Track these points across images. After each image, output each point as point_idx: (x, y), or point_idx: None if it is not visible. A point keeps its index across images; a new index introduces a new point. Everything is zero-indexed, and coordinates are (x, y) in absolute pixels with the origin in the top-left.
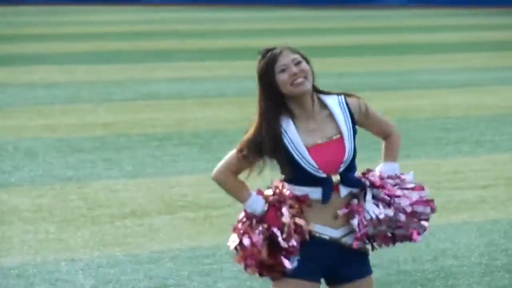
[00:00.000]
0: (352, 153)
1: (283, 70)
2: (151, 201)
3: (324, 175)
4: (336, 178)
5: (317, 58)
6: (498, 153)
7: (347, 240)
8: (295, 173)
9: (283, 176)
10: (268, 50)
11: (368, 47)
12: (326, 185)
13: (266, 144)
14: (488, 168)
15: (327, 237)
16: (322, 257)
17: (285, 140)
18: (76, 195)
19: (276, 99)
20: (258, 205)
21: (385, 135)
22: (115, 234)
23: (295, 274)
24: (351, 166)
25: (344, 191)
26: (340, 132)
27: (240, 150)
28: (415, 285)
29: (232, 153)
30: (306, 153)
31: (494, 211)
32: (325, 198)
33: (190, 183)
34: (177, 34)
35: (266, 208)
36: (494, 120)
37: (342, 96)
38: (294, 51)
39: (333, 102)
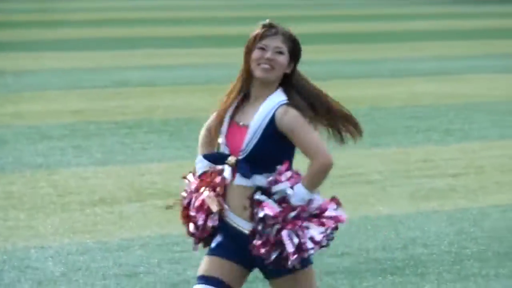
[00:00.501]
0: (251, 147)
1: (261, 48)
2: (121, 188)
3: (226, 151)
4: (232, 160)
5: None
6: (468, 141)
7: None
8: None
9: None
10: (270, 26)
11: (339, 35)
12: (221, 153)
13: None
14: (458, 157)
15: (240, 229)
16: (238, 243)
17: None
18: (46, 182)
19: (243, 67)
20: (201, 163)
21: (310, 158)
22: (85, 222)
23: (215, 252)
24: (258, 164)
25: (238, 180)
26: (247, 124)
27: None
28: (385, 273)
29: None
30: (227, 123)
31: (464, 200)
32: (209, 155)
33: (160, 171)
34: (147, 21)
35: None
36: (464, 109)
37: (278, 106)
38: (287, 41)
39: (270, 102)
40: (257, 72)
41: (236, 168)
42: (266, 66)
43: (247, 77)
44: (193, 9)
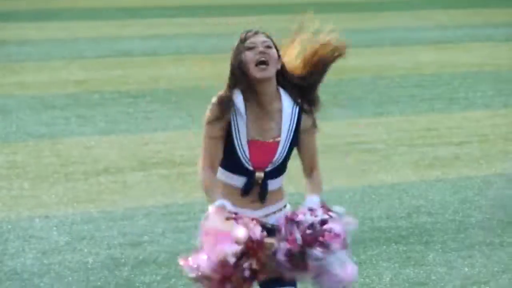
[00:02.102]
0: (282, 157)
1: (250, 48)
2: (125, 158)
3: (251, 169)
4: (260, 174)
5: (291, 14)
6: (471, 110)
7: (269, 220)
8: (229, 156)
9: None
10: (249, 31)
11: (340, 4)
12: (249, 178)
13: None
14: (462, 125)
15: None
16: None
17: (233, 127)
18: (50, 152)
19: (241, 78)
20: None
21: (311, 166)
22: (89, 191)
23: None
24: (280, 168)
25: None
26: (279, 135)
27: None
28: (389, 242)
29: (205, 140)
30: (246, 145)
31: (468, 168)
32: (246, 189)
33: (164, 140)
34: None
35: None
36: (468, 78)
37: (298, 107)
38: (267, 36)
39: (288, 104)
40: (258, 73)
41: (265, 179)
42: (263, 65)
43: (247, 85)
44: None
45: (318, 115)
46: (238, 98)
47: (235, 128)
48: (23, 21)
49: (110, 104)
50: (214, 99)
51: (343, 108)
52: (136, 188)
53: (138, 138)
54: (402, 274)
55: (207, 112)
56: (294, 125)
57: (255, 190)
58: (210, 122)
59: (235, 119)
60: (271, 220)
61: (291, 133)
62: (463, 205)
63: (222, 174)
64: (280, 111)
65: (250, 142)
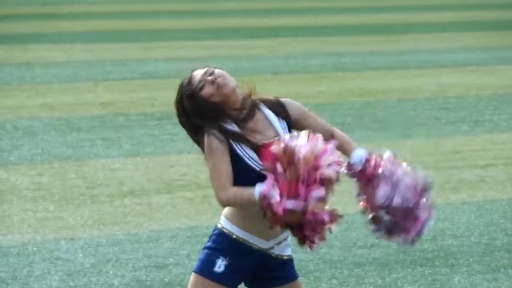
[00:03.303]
0: None
1: (202, 87)
2: (150, 180)
3: (261, 167)
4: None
5: (316, 37)
6: (497, 132)
7: (275, 250)
8: (240, 171)
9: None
10: (185, 85)
11: (368, 26)
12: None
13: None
14: (487, 148)
15: (256, 247)
16: (248, 266)
17: (234, 145)
18: (75, 174)
19: (213, 112)
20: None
21: (328, 131)
22: (114, 213)
23: (221, 280)
24: None
25: None
26: (277, 134)
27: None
28: (414, 265)
29: (214, 164)
30: (252, 152)
31: (493, 191)
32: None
33: (189, 162)
34: (174, 13)
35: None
36: (493, 100)
37: (278, 101)
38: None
39: (268, 109)
40: (224, 91)
41: None
42: (222, 81)
43: (223, 114)
44: (220, 1)
45: None
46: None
47: (236, 145)
48: (48, 43)
49: (135, 126)
50: (206, 136)
51: (369, 130)
52: (161, 210)
53: (163, 161)
54: None
55: (206, 144)
56: (285, 122)
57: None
58: (212, 150)
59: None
60: (277, 251)
61: (284, 126)
62: (489, 228)
63: None
64: (261, 112)
65: (257, 152)
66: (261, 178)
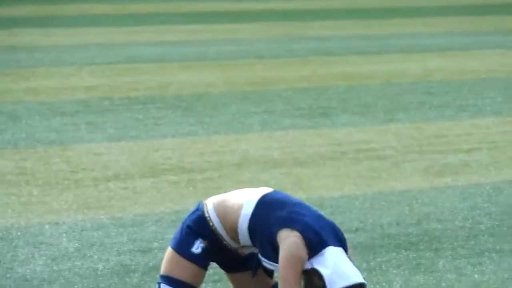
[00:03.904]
0: None
1: None
2: (135, 164)
3: None
4: None
5: (300, 21)
6: (481, 117)
7: (244, 250)
8: None
9: None
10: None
11: (352, 11)
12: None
13: None
14: (471, 132)
15: (229, 246)
16: (225, 252)
17: None
18: (59, 158)
19: None
20: None
21: None
22: (99, 197)
23: (197, 261)
24: None
25: None
26: None
27: None
28: (399, 248)
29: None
30: None
31: (477, 175)
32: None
33: (174, 146)
34: None
35: None
36: (477, 85)
37: None
38: None
39: None
40: None
41: None
42: None
43: None
44: None
45: (328, 122)
46: None
47: None
48: (33, 27)
49: (120, 110)
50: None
51: (353, 115)
52: (146, 194)
53: (148, 145)
54: (412, 281)
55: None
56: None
57: None
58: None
59: None
60: (247, 251)
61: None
62: (473, 212)
63: None
64: None
65: None
66: None
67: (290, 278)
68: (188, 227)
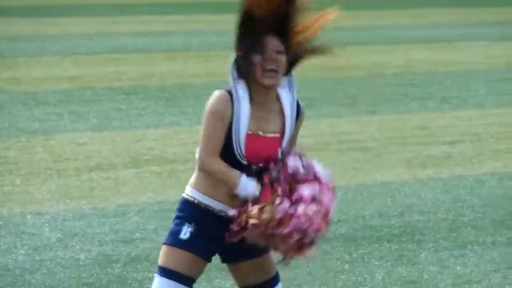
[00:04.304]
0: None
1: (261, 52)
2: (117, 154)
3: (245, 163)
4: (256, 166)
5: None
6: (464, 109)
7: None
8: (223, 148)
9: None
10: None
11: (333, 2)
12: (248, 172)
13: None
14: (454, 124)
15: (223, 214)
16: (216, 235)
17: (233, 119)
18: (42, 148)
19: (246, 73)
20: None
21: (294, 142)
22: (81, 187)
23: (187, 246)
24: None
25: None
26: (282, 132)
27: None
28: (381, 240)
29: (210, 126)
30: (244, 139)
31: (460, 167)
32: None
33: (156, 137)
34: None
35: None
36: (460, 77)
37: (296, 100)
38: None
39: (287, 100)
40: (265, 81)
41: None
42: (272, 73)
43: (250, 81)
44: None
45: (311, 113)
46: (242, 90)
47: (235, 121)
48: (15, 16)
49: (102, 100)
50: (218, 93)
51: (337, 106)
52: (128, 184)
53: (130, 135)
54: (394, 272)
55: (211, 101)
56: (294, 119)
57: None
58: (213, 112)
59: (237, 111)
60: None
61: (292, 125)
62: (455, 204)
63: None
64: (279, 110)
65: (248, 136)
66: (236, 164)
67: (202, 130)
68: (175, 218)
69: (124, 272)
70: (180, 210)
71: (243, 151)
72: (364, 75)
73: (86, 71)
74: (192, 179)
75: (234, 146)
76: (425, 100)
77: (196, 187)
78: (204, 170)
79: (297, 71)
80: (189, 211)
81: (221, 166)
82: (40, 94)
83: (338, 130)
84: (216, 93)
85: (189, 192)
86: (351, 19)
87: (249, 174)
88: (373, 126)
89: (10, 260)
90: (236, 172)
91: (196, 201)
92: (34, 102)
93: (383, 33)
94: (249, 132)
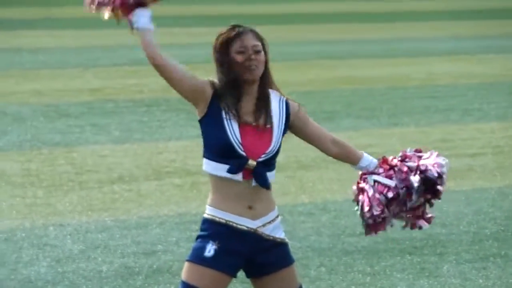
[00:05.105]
0: (276, 148)
1: (241, 52)
2: (139, 166)
3: (243, 153)
4: (252, 163)
5: (305, 24)
6: (486, 121)
7: (264, 230)
8: (216, 141)
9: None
10: (234, 27)
11: (357, 14)
12: (240, 160)
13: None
14: (476, 137)
15: (244, 228)
16: (240, 249)
17: (223, 109)
18: (64, 160)
19: (229, 73)
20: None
21: (327, 137)
22: (103, 199)
23: (212, 264)
24: (271, 163)
25: (254, 181)
26: (271, 124)
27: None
28: (403, 253)
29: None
30: (237, 129)
31: (482, 180)
32: (233, 169)
33: (178, 149)
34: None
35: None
36: (482, 89)
37: (284, 98)
38: (258, 37)
39: (275, 98)
40: (247, 75)
41: (256, 173)
42: (253, 66)
43: (233, 81)
44: None
45: (333, 126)
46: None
47: (225, 111)
48: (38, 28)
49: (124, 112)
50: (210, 78)
51: (357, 118)
52: (150, 197)
53: (152, 147)
54: (416, 285)
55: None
56: (284, 113)
57: (249, 194)
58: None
59: (225, 102)
60: (267, 231)
61: (282, 119)
62: (478, 216)
63: (211, 167)
64: (267, 101)
65: (241, 126)
66: (231, 156)
67: None
68: (197, 237)
69: (146, 284)
70: (202, 229)
71: (239, 139)
72: (385, 87)
73: (107, 83)
74: (210, 198)
75: (229, 133)
76: (447, 112)
77: (213, 204)
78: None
79: (318, 84)
80: (212, 229)
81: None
82: (62, 106)
83: (359, 143)
84: (210, 78)
85: (208, 211)
86: (371, 31)
87: (243, 162)
88: (394, 138)
89: (32, 272)
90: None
91: (216, 218)
92: (56, 114)
93: (404, 45)
94: (241, 121)
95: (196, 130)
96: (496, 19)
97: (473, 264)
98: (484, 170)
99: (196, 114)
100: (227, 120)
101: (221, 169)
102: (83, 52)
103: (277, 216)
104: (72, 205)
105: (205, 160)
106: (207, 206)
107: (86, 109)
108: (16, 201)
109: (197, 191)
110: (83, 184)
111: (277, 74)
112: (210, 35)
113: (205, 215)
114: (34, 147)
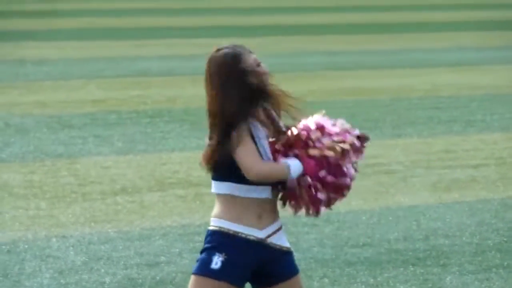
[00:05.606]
0: None
1: (259, 64)
2: (142, 177)
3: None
4: None
5: (308, 35)
6: (489, 132)
7: (272, 239)
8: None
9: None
10: (225, 48)
11: (360, 25)
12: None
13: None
14: (479, 148)
15: (253, 238)
16: (247, 260)
17: (253, 132)
18: (67, 171)
19: (249, 91)
20: (297, 167)
21: None
22: (106, 211)
23: (219, 276)
24: None
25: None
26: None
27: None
28: (406, 264)
29: (246, 147)
30: (268, 148)
31: (485, 191)
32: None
33: (181, 160)
34: (167, 11)
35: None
36: (485, 100)
37: None
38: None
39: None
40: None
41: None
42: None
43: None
44: None
45: None
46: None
47: (256, 137)
48: (41, 40)
49: (127, 123)
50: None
51: (361, 129)
52: (153, 208)
53: (155, 158)
54: None
55: (238, 133)
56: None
57: (259, 205)
58: (242, 136)
59: (254, 131)
60: (274, 240)
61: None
62: (481, 227)
63: (243, 191)
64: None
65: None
66: None
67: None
68: (203, 249)
69: None
70: (208, 242)
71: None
72: (388, 98)
73: (110, 94)
74: (216, 211)
75: (264, 155)
76: (450, 123)
77: (222, 216)
78: (260, 177)
79: (321, 95)
80: (218, 240)
81: (271, 164)
82: (65, 117)
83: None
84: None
85: (215, 223)
86: (374, 42)
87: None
88: (398, 149)
89: (35, 284)
90: (279, 163)
91: (224, 229)
92: (59, 125)
93: (408, 56)
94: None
95: (200, 141)
96: (500, 30)
97: (476, 275)
98: (487, 181)
99: None
100: (259, 145)
101: (261, 191)
102: (86, 63)
103: (280, 227)
104: (75, 216)
105: (234, 185)
106: (212, 218)
107: (89, 120)
108: (19, 212)
109: (201, 202)
110: (86, 195)
111: (281, 85)
112: (213, 46)
113: (211, 227)
114: (37, 158)
